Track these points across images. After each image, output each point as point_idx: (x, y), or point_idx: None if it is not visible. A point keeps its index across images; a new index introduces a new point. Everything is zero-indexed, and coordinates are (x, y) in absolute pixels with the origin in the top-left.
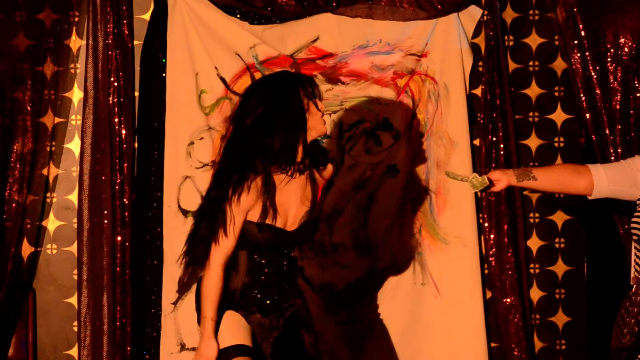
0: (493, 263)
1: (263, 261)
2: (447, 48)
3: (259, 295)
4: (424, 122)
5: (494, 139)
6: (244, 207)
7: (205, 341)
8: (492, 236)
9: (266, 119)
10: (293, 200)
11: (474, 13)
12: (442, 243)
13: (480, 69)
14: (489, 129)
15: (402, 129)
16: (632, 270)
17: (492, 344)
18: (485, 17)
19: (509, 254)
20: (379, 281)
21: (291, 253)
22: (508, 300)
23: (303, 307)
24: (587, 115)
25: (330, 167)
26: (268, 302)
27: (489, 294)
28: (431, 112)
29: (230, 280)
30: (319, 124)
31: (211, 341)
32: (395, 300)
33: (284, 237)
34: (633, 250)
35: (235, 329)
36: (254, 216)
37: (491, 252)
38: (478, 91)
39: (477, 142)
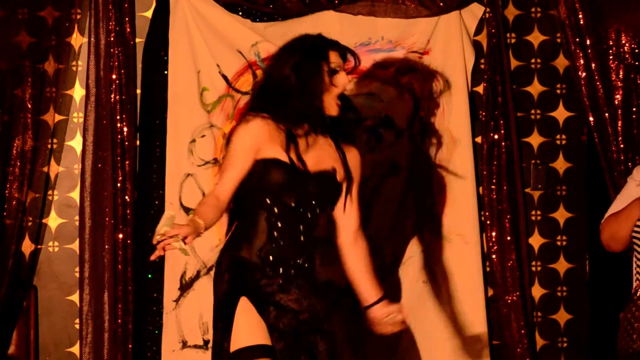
0: (495, 260)
1: (279, 224)
2: (449, 45)
3: (280, 281)
4: (426, 120)
5: (496, 136)
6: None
7: None
8: (493, 234)
9: (289, 82)
10: (313, 157)
11: (476, 11)
12: (444, 240)
13: (482, 66)
14: (491, 126)
15: (404, 126)
16: (634, 277)
17: (494, 342)
18: (487, 15)
19: (511, 252)
20: (382, 278)
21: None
22: (510, 297)
23: (323, 310)
24: (589, 112)
25: (355, 152)
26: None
27: (490, 292)
28: (433, 109)
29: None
30: (331, 104)
31: None
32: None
33: (300, 176)
34: (634, 259)
35: (254, 326)
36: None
37: (493, 250)
38: (480, 88)
39: (479, 139)
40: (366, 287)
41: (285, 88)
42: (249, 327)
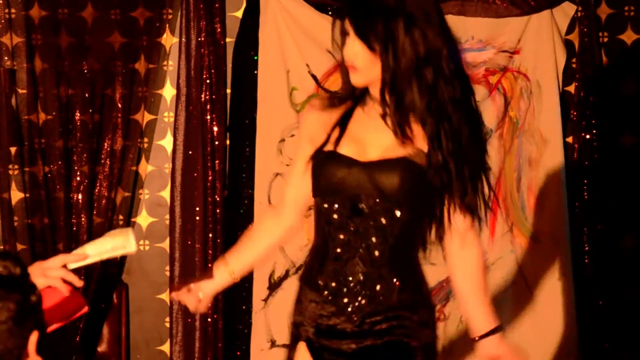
0: (586, 262)
1: (335, 216)
2: (540, 45)
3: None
4: (516, 120)
5: (588, 136)
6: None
7: None
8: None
9: None
10: (373, 130)
11: (567, 9)
12: (533, 241)
13: (574, 65)
14: (582, 126)
15: (493, 126)
16: None
17: None
18: (579, 14)
19: None
20: None
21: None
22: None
23: (413, 326)
24: None
25: None
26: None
27: None
28: (523, 109)
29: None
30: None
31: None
32: None
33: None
34: None
35: None
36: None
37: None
38: (571, 88)
39: (570, 139)
40: (477, 311)
41: None
42: None
